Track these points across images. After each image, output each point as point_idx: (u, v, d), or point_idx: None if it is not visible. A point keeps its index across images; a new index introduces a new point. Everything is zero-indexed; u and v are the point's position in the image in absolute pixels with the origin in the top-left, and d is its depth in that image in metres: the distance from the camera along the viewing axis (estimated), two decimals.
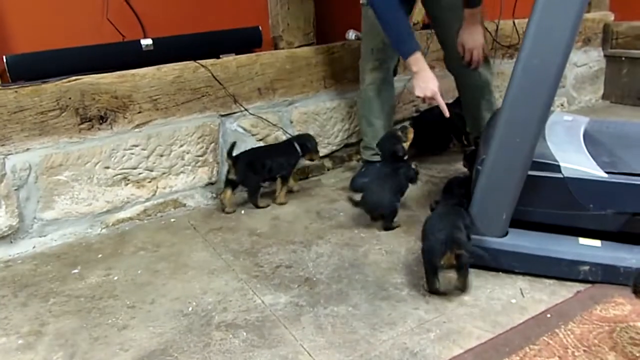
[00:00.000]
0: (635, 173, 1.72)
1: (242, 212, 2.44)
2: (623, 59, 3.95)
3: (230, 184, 2.42)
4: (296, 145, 2.50)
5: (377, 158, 2.48)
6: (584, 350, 1.42)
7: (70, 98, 2.18)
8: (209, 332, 1.60)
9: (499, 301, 1.66)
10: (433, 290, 1.68)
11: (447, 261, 1.64)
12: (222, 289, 1.82)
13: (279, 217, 2.36)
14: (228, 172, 2.41)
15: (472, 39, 2.34)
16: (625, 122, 2.48)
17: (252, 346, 1.52)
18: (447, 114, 2.15)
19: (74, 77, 2.19)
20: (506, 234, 1.82)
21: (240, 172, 2.39)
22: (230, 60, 2.51)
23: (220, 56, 2.53)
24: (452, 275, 1.70)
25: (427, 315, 1.62)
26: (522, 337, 1.48)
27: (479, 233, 1.81)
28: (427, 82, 2.12)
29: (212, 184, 2.57)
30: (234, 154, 2.37)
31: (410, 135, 2.29)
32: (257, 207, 2.46)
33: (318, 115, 2.81)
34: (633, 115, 3.61)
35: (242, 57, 2.55)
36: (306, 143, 2.53)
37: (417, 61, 2.13)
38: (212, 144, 2.53)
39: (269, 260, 1.99)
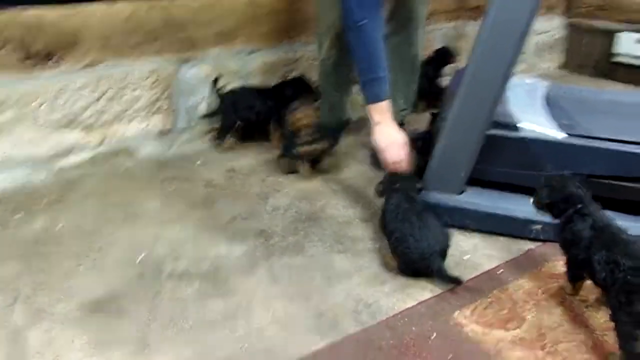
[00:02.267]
0: (594, 136, 1.74)
1: (198, 162, 2.36)
2: (584, 28, 3.99)
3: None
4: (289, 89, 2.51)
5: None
6: (533, 304, 1.45)
7: (12, 32, 2.01)
8: (160, 281, 1.55)
9: (453, 257, 1.67)
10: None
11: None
12: (174, 239, 1.76)
13: (235, 168, 2.29)
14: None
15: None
16: (584, 88, 2.51)
17: (205, 295, 1.49)
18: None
19: (15, 9, 2.02)
20: (462, 191, 1.83)
21: (222, 107, 2.45)
22: (189, 0, 2.37)
23: None
24: None
25: (382, 269, 1.62)
26: (474, 291, 1.51)
27: (435, 189, 1.81)
28: (387, 137, 1.78)
29: (166, 132, 2.47)
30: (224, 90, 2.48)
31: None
32: (220, 144, 2.47)
33: (280, 66, 2.72)
34: (590, 85, 3.68)
35: None
36: (301, 86, 2.52)
37: (384, 111, 1.79)
38: (167, 91, 2.42)
39: (224, 211, 1.94)
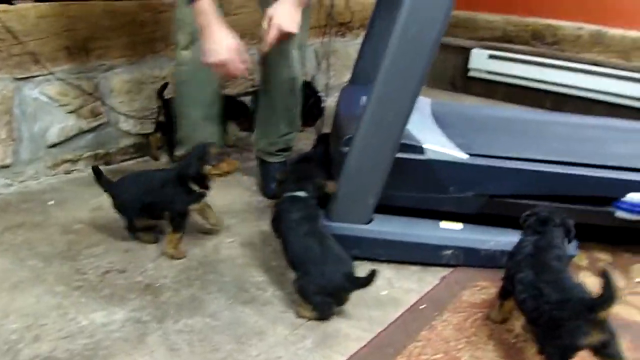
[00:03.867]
0: (495, 155, 1.72)
1: (51, 202, 1.94)
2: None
3: (159, 127, 2.30)
4: None
5: None
6: (466, 342, 1.36)
7: None
8: None
9: (369, 294, 1.52)
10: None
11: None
12: (31, 309, 1.37)
13: (102, 206, 1.91)
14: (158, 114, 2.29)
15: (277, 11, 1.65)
16: (463, 104, 2.56)
17: None
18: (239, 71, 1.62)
19: None
20: (371, 220, 1.70)
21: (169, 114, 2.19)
22: (28, 7, 1.95)
23: (13, 2, 1.96)
24: None
25: (298, 319, 1.41)
26: (402, 334, 1.37)
27: (342, 220, 1.66)
28: (217, 43, 1.58)
29: (6, 167, 2.00)
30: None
31: (226, 169, 1.64)
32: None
33: (145, 84, 2.38)
34: (451, 99, 3.84)
35: (44, 6, 2.00)
36: None
37: (206, 12, 1.57)
38: (6, 116, 1.96)
39: (94, 264, 1.58)
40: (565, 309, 1.16)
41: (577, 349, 1.14)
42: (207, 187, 1.65)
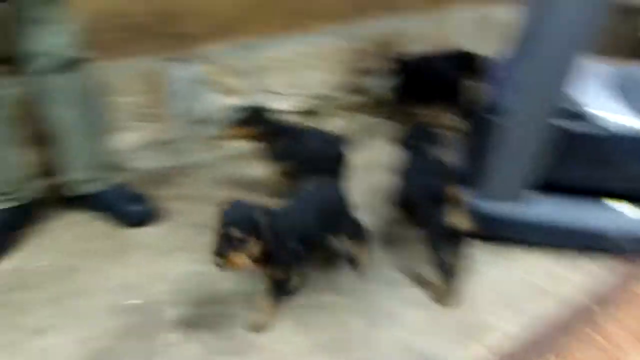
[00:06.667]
0: None
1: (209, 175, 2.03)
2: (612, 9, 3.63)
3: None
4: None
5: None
6: None
7: None
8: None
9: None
10: None
11: None
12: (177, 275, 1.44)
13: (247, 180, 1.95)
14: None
15: None
16: None
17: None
18: None
19: None
20: (526, 198, 1.50)
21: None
22: None
23: None
24: None
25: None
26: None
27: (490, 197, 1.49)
28: None
29: (165, 142, 2.14)
30: None
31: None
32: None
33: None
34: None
35: None
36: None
37: None
38: (162, 94, 2.08)
39: None
40: None
41: None
42: None
